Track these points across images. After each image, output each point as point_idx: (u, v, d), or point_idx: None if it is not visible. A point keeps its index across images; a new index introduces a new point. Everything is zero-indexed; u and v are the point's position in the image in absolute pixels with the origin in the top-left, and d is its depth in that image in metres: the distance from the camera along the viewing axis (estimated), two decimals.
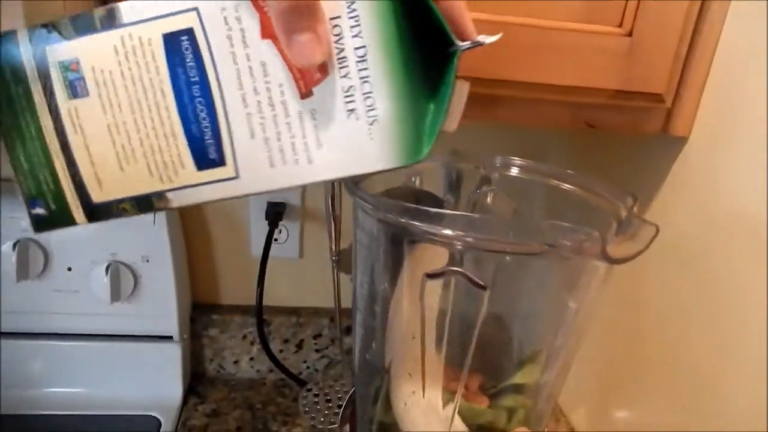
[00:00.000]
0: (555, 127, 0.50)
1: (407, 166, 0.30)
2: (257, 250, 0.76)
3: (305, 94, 0.29)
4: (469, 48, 0.29)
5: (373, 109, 0.29)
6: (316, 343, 0.85)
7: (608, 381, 0.62)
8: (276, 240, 0.81)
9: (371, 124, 0.29)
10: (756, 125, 0.43)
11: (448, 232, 0.30)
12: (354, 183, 0.35)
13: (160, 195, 0.30)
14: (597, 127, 0.51)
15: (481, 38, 0.29)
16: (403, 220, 0.32)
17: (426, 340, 0.35)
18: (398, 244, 0.35)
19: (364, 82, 0.29)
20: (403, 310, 0.36)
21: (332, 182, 0.53)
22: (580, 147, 0.72)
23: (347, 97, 0.29)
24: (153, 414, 0.75)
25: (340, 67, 0.28)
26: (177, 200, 0.30)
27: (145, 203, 0.30)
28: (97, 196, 0.30)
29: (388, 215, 0.33)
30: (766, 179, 0.41)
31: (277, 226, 0.77)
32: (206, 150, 0.30)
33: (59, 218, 0.31)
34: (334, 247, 0.59)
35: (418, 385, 0.36)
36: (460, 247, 0.32)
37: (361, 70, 0.29)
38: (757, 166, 0.43)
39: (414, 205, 0.30)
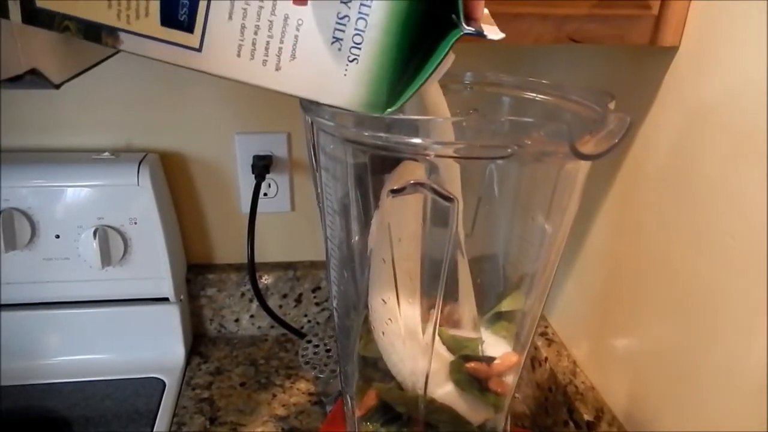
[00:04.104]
0: (536, 44, 0.47)
1: (367, 114, 0.29)
2: (247, 207, 0.75)
3: (300, 1, 0.27)
4: (470, 35, 0.28)
5: (357, 48, 0.28)
6: (315, 297, 0.84)
7: (608, 312, 0.60)
8: (266, 195, 0.79)
9: (351, 61, 0.28)
10: (751, 32, 0.40)
11: (404, 139, 0.29)
12: (310, 102, 0.33)
13: (112, 31, 0.28)
14: (581, 41, 0.48)
15: (486, 31, 0.29)
16: (364, 133, 0.30)
17: (396, 263, 0.33)
18: (362, 161, 0.33)
19: (360, 19, 0.27)
20: (373, 235, 0.35)
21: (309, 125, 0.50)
22: (564, 65, 0.69)
23: (338, 24, 0.27)
24: (157, 376, 0.75)
25: None
26: (128, 45, 0.29)
27: (93, 32, 0.29)
28: (42, 2, 0.28)
29: (347, 131, 0.31)
30: (765, 89, 0.38)
31: (264, 179, 0.76)
32: (177, 9, 0.28)
33: None
34: (320, 191, 0.57)
35: (393, 311, 0.35)
36: (420, 155, 0.30)
37: (363, 5, 0.27)
38: (753, 76, 0.40)
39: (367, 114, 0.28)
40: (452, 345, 0.38)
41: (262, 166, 0.76)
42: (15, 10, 0.28)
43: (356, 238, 0.37)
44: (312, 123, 0.40)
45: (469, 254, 0.38)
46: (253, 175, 0.76)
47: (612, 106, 0.34)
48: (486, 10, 0.32)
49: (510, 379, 0.39)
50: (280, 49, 0.28)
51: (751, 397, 0.40)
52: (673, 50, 0.49)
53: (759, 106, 0.39)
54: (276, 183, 0.79)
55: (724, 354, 0.43)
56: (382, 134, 0.29)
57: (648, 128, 0.52)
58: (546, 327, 0.73)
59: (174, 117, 0.75)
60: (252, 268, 0.73)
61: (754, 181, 0.39)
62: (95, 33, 0.29)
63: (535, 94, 0.40)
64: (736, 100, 0.42)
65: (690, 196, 0.47)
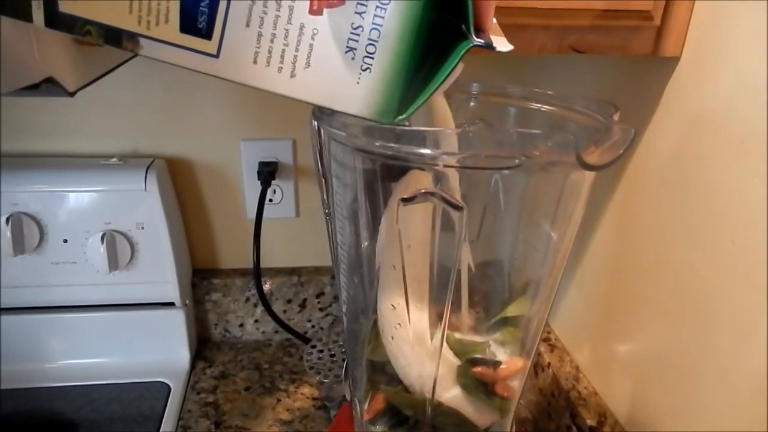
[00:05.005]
0: (540, 54, 0.48)
1: (378, 122, 0.30)
2: (253, 212, 0.76)
3: (315, 11, 0.28)
4: (480, 47, 0.28)
5: (370, 58, 0.29)
6: (319, 302, 0.85)
7: (610, 318, 0.61)
8: (271, 200, 0.80)
9: (363, 70, 0.29)
10: (751, 41, 0.41)
11: (414, 149, 0.29)
12: (321, 111, 0.33)
13: (133, 36, 0.29)
14: (584, 52, 0.49)
15: (495, 44, 0.29)
16: (375, 143, 0.31)
17: (407, 269, 0.34)
18: (372, 169, 0.34)
19: (374, 29, 0.28)
20: (382, 241, 0.36)
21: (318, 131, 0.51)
22: (567, 75, 0.69)
23: (352, 34, 0.28)
24: (162, 380, 0.76)
25: (359, 3, 0.28)
26: (147, 50, 0.29)
27: (113, 37, 0.29)
28: (65, 6, 0.29)
29: (357, 140, 0.32)
30: (766, 98, 0.39)
31: (269, 185, 0.77)
32: (197, 16, 0.28)
33: (13, 5, 0.29)
34: (326, 198, 0.58)
35: (402, 317, 0.36)
36: (429, 165, 0.31)
37: (377, 16, 0.28)
38: (753, 85, 0.41)
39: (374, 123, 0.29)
40: (459, 349, 0.39)
41: (267, 172, 0.77)
42: (38, 14, 0.29)
43: (365, 244, 0.38)
44: (319, 130, 0.40)
45: (475, 261, 0.39)
46: (259, 181, 0.76)
47: (616, 117, 0.35)
48: (494, 20, 0.33)
49: (516, 384, 0.40)
50: (296, 56, 0.29)
51: (752, 400, 0.41)
52: (674, 60, 0.50)
53: (759, 115, 0.40)
54: (281, 189, 0.80)
55: (725, 358, 0.43)
56: (392, 144, 0.30)
57: (650, 137, 0.53)
58: (548, 333, 0.74)
59: (181, 123, 0.76)
60: (258, 273, 0.74)
61: (754, 188, 0.40)
62: (116, 38, 0.29)
63: (540, 105, 0.40)
64: (737, 108, 0.42)
65: (691, 202, 0.47)
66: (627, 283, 0.57)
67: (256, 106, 0.76)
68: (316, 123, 0.40)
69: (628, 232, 0.57)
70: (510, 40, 0.49)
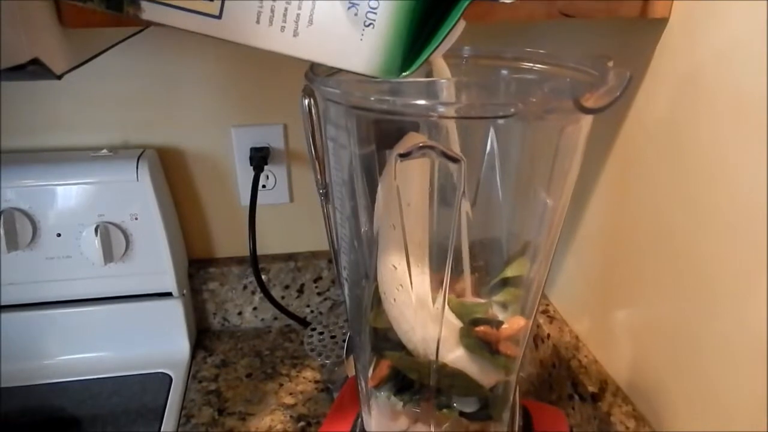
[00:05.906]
0: (529, 20, 0.48)
1: (381, 78, 0.30)
2: (247, 199, 0.75)
3: None
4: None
5: (373, 13, 0.28)
6: (317, 287, 0.85)
7: (608, 287, 0.61)
8: (264, 186, 0.80)
9: (367, 25, 0.29)
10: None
11: (408, 101, 0.29)
12: (314, 72, 0.33)
13: (134, 0, 0.29)
14: (573, 16, 0.49)
15: None
16: (370, 98, 0.31)
17: (406, 230, 0.34)
18: (367, 124, 0.34)
19: None
20: (381, 203, 0.35)
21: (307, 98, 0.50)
22: (557, 42, 0.69)
23: None
24: (163, 371, 0.76)
25: None
26: (149, 13, 0.29)
27: (115, 2, 0.29)
28: None
29: (353, 97, 0.31)
30: (757, 55, 0.39)
31: (262, 170, 0.76)
32: None
33: None
34: (320, 178, 0.58)
35: (404, 278, 0.36)
36: (425, 117, 0.31)
37: None
38: (743, 42, 0.41)
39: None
40: (460, 311, 0.39)
41: (259, 158, 0.76)
42: None
43: (363, 206, 0.38)
44: (310, 110, 0.40)
45: (473, 224, 0.39)
46: (251, 167, 0.76)
47: (611, 64, 0.35)
48: None
49: (519, 342, 0.40)
50: (298, 15, 0.29)
51: (751, 362, 0.41)
52: (663, 22, 0.50)
53: (751, 73, 0.40)
54: (274, 174, 0.80)
55: (724, 323, 0.43)
56: (387, 98, 0.30)
57: (641, 102, 0.53)
58: (547, 305, 0.74)
59: (170, 113, 0.75)
60: (254, 259, 0.74)
61: (749, 151, 0.40)
62: (117, 2, 0.29)
63: (532, 64, 0.40)
64: (728, 69, 0.42)
65: (686, 168, 0.47)
66: (623, 252, 0.57)
67: (246, 92, 0.76)
68: (306, 102, 0.40)
69: (623, 201, 0.57)
70: (500, 7, 0.48)
